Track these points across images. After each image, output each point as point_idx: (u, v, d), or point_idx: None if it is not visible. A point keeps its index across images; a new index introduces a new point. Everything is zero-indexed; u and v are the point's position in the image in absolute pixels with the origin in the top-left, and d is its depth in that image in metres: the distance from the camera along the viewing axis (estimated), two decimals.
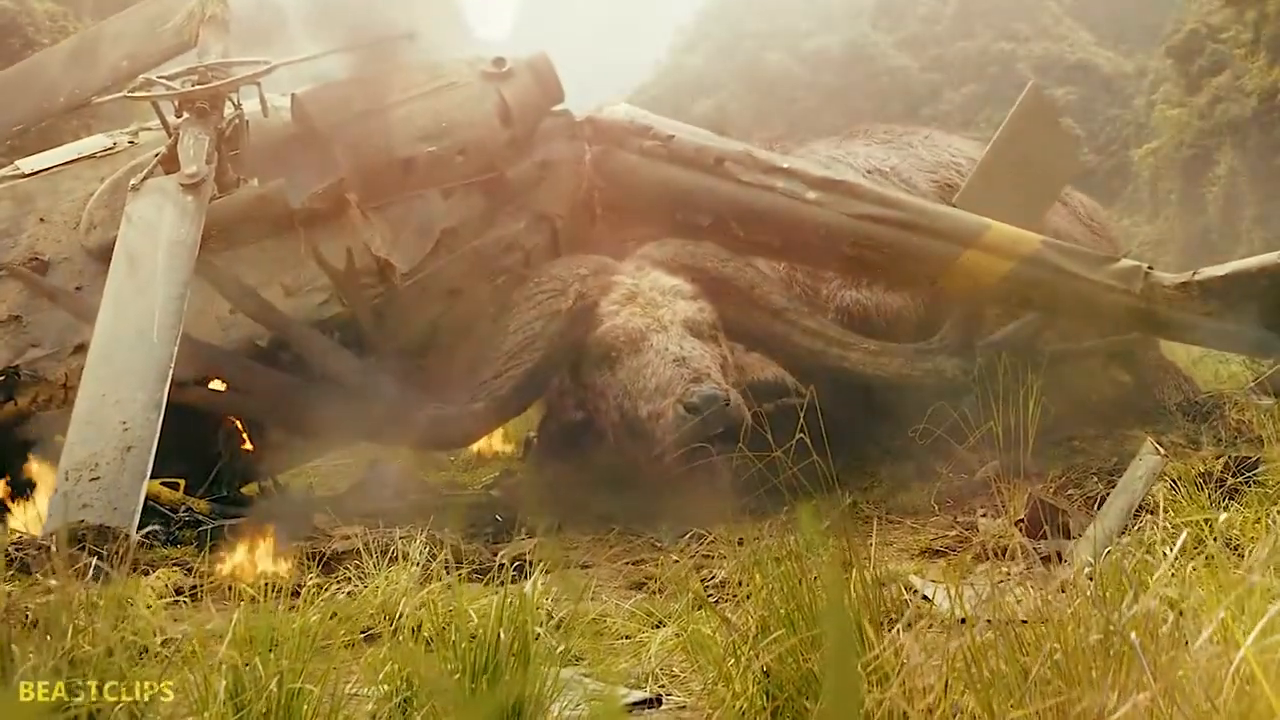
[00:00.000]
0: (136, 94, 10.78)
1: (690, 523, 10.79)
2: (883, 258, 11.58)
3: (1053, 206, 13.35)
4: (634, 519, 10.81)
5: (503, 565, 8.94)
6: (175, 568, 8.53)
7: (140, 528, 8.19)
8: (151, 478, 8.44)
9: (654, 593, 8.17)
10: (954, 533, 9.58)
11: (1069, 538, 8.17)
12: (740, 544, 7.58)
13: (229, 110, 10.71)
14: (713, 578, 8.13)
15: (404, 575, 7.15)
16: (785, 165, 11.94)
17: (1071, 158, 13.55)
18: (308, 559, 8.66)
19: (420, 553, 7.77)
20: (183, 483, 10.37)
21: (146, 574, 8.09)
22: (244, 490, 11.35)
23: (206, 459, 10.81)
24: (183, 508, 10.13)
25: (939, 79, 55.02)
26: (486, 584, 8.21)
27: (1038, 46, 57.90)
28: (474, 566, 8.76)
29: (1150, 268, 11.24)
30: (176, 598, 7.57)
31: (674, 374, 10.64)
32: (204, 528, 9.56)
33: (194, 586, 7.82)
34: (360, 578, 7.57)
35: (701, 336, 11.23)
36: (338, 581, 7.64)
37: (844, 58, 53.04)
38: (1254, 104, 24.79)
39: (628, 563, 9.38)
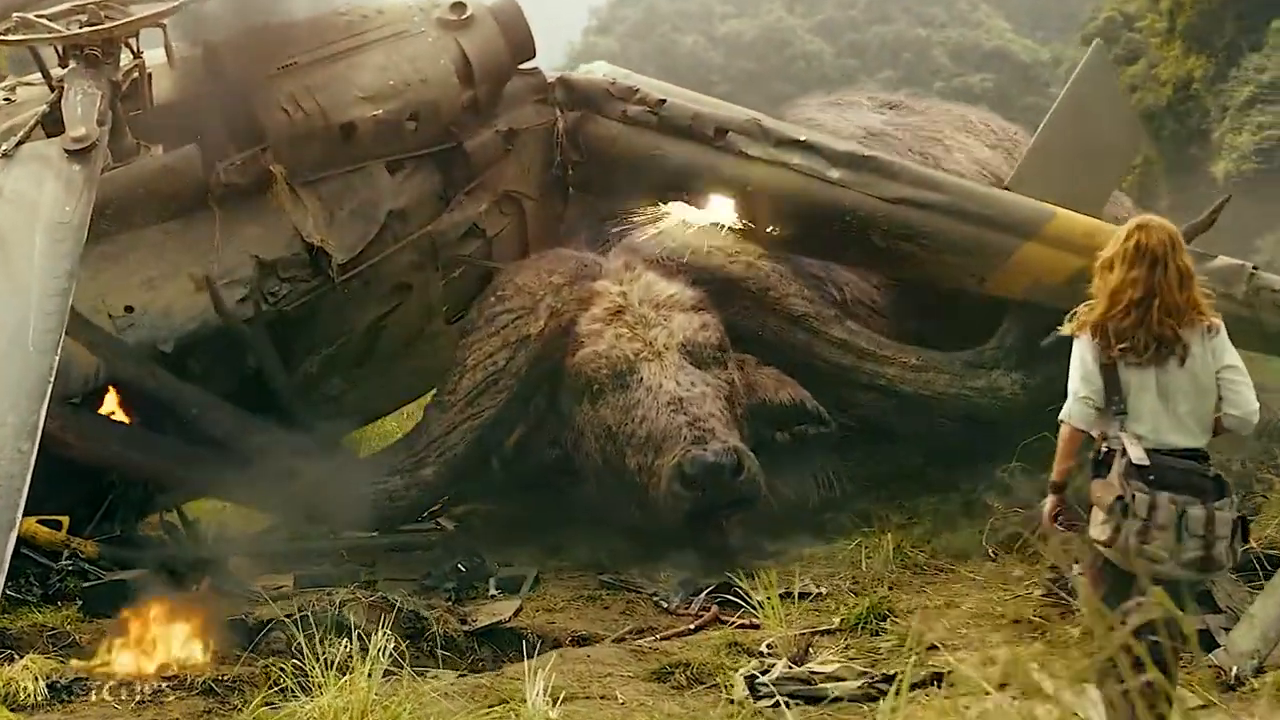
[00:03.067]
0: (10, 38, 9.53)
1: (694, 571, 9.90)
2: (922, 251, 10.30)
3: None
4: (625, 567, 9.65)
5: (476, 636, 8.03)
6: (52, 644, 7.41)
7: (9, 579, 7.06)
8: (27, 513, 7.32)
9: (684, 686, 7.00)
10: (1039, 593, 8.64)
11: None
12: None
13: (127, 59, 9.16)
14: (764, 663, 7.14)
15: (358, 685, 6.03)
16: (802, 138, 10.60)
17: (1135, 132, 12.45)
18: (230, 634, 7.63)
19: (375, 637, 6.70)
20: (65, 520, 9.05)
21: (10, 659, 7.06)
22: (142, 525, 10.09)
23: (95, 487, 9.47)
24: (65, 553, 8.98)
25: (855, 64, 55.20)
26: (461, 672, 7.26)
27: (954, 33, 58.12)
28: (441, 639, 7.76)
29: (1255, 267, 10.05)
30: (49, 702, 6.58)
31: (669, 424, 9.47)
32: (92, 584, 8.46)
33: (74, 681, 6.72)
34: (298, 681, 6.54)
35: (704, 364, 9.99)
36: (270, 685, 6.62)
37: (759, 41, 53.25)
38: (1169, 93, 24.92)
39: (633, 632, 8.11)
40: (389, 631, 7.17)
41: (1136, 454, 5.58)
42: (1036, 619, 7.75)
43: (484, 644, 7.66)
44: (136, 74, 9.26)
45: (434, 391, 10.10)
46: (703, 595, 8.65)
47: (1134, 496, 5.48)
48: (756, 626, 8.03)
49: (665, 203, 10.93)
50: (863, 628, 7.63)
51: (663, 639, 7.87)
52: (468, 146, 10.45)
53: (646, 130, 10.79)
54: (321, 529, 9.93)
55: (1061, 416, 5.82)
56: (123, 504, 9.55)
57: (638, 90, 10.92)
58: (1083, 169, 11.00)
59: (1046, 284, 10.08)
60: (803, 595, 8.79)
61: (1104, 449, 5.66)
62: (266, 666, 6.82)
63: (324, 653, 6.64)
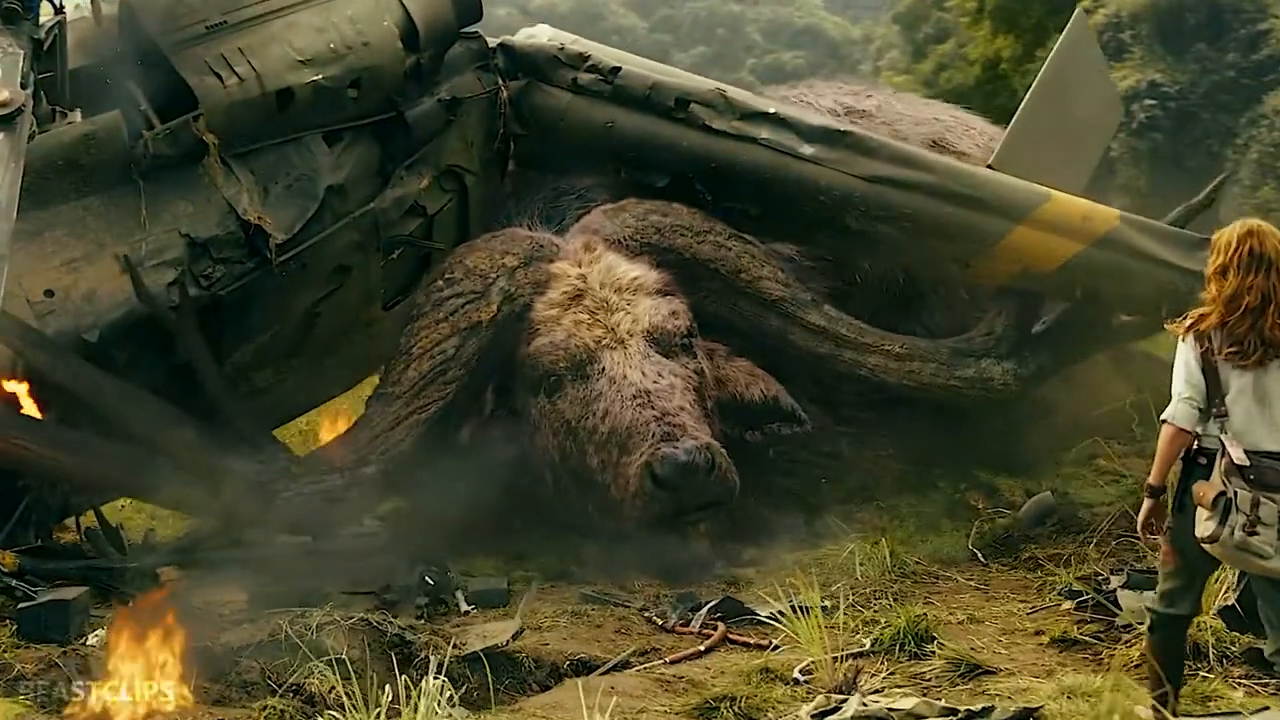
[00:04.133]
0: None
1: (677, 578, 9.37)
2: (901, 234, 9.82)
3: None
4: (595, 577, 9.02)
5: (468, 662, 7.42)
6: None
7: None
8: None
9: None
10: (1065, 606, 8.26)
11: None
12: None
13: (48, 13, 8.39)
14: (829, 699, 6.56)
15: None
16: (772, 110, 10.13)
17: (1115, 104, 12.14)
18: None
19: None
20: None
21: None
22: (59, 531, 9.32)
23: (5, 490, 8.67)
24: None
25: (668, 40, 55.82)
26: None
27: (766, 10, 59.56)
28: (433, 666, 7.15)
29: None
30: None
31: (635, 419, 8.96)
32: (28, 605, 7.70)
33: None
34: None
35: (671, 352, 9.44)
36: None
37: (572, 15, 53.51)
38: (977, 72, 25.39)
39: (638, 655, 7.42)
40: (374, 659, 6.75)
41: (1238, 454, 5.63)
42: (1084, 638, 7.40)
43: (476, 670, 7.12)
44: (58, 31, 8.56)
45: (376, 383, 9.50)
46: (704, 612, 8.17)
47: (1236, 494, 5.57)
48: (775, 647, 7.61)
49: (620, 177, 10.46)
50: (901, 648, 7.13)
51: (673, 663, 7.26)
52: (409, 117, 9.73)
53: (599, 100, 10.25)
54: (252, 534, 9.36)
55: (1165, 417, 5.79)
56: (37, 509, 8.82)
57: (589, 57, 10.37)
58: (1065, 145, 10.68)
59: (1037, 271, 9.70)
60: (805, 609, 8.37)
61: (1195, 449, 5.73)
62: (268, 710, 6.23)
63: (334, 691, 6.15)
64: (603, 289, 9.53)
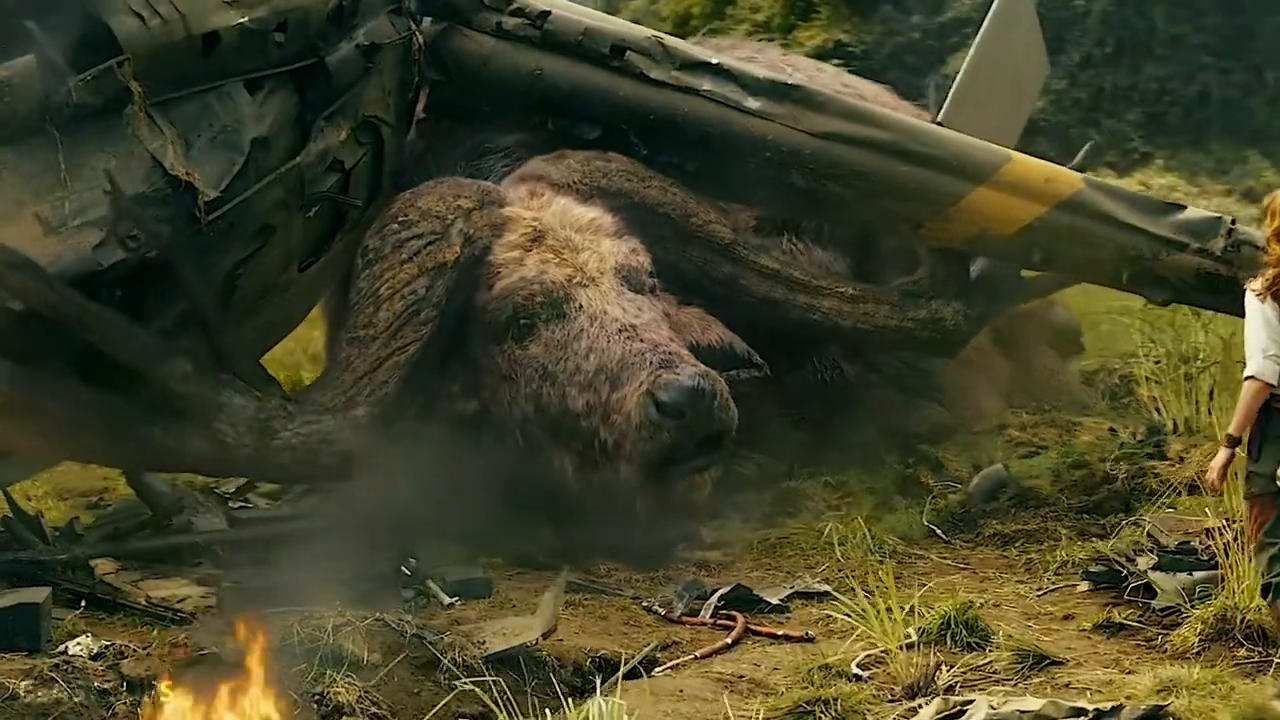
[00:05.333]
0: None
1: (636, 561, 8.99)
2: (851, 193, 9.70)
3: None
4: (584, 558, 8.79)
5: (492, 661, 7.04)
6: None
7: None
8: None
9: None
10: (1082, 587, 8.21)
11: None
12: None
13: None
14: (947, 702, 6.31)
15: None
16: (714, 61, 9.88)
17: (1042, 59, 12.20)
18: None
19: None
20: None
21: None
22: None
23: None
24: None
25: None
26: None
27: None
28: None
29: (1234, 220, 9.77)
30: None
31: (627, 351, 8.64)
32: None
33: None
34: None
35: (641, 290, 9.22)
36: None
37: None
38: (668, 29, 26.53)
39: (662, 647, 7.20)
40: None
41: None
42: (1129, 622, 7.38)
43: (502, 672, 6.78)
44: None
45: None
46: (714, 600, 7.96)
47: None
48: (811, 639, 7.37)
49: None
50: (952, 638, 6.96)
51: (702, 657, 7.06)
52: (329, 64, 9.30)
53: (526, 47, 9.91)
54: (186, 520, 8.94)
55: (1251, 373, 6.31)
56: None
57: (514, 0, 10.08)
58: (1002, 101, 10.68)
59: (994, 234, 9.63)
60: (805, 595, 8.24)
61: (1271, 395, 6.29)
62: None
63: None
64: (563, 230, 9.24)
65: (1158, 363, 12.54)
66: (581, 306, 8.92)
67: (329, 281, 10.03)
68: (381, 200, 9.75)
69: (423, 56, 9.97)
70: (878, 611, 6.99)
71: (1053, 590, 7.96)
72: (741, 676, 6.84)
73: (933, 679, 6.48)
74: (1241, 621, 6.89)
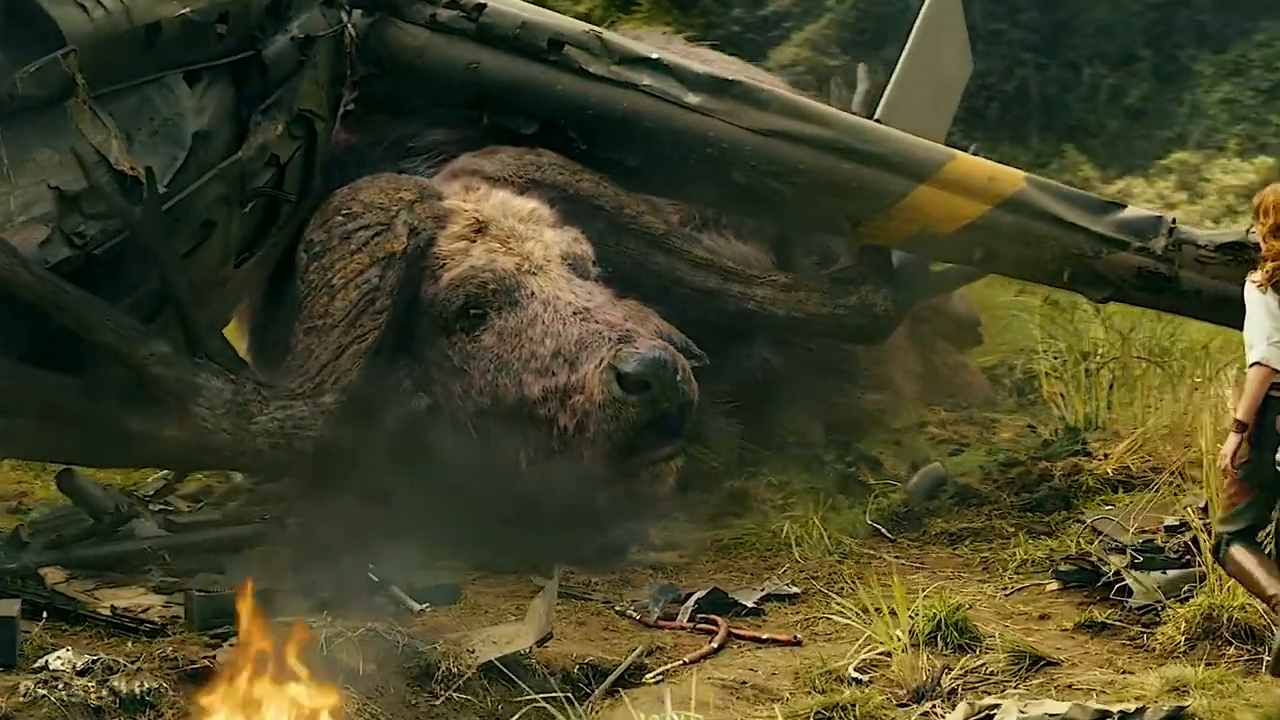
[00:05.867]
0: None
1: (589, 563, 8.82)
2: (792, 190, 9.65)
3: None
4: (548, 559, 8.51)
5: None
6: None
7: None
8: None
9: None
10: (1051, 587, 8.23)
11: None
12: None
13: None
14: (973, 707, 6.16)
15: None
16: (654, 56, 9.80)
17: (967, 57, 12.29)
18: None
19: None
20: None
21: None
22: None
23: None
24: None
25: None
26: None
27: None
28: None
29: (1175, 220, 9.85)
30: None
31: (584, 332, 8.53)
32: None
33: None
34: None
35: (587, 278, 9.14)
36: None
37: None
38: None
39: (646, 655, 7.08)
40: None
41: None
42: (1111, 621, 7.44)
43: (494, 681, 6.64)
44: None
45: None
46: (691, 604, 7.87)
47: None
48: (798, 643, 7.34)
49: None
50: (943, 641, 6.93)
51: (691, 662, 6.99)
52: (266, 56, 9.11)
53: (462, 39, 9.76)
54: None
55: (1256, 359, 6.64)
56: None
57: None
58: (933, 98, 10.74)
59: (934, 232, 9.66)
60: (777, 597, 8.21)
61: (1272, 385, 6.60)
62: None
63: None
64: (506, 220, 9.11)
65: (1057, 358, 12.70)
66: (534, 293, 8.79)
67: (258, 279, 9.82)
68: (313, 195, 9.57)
69: (355, 49, 9.77)
70: (880, 614, 6.99)
71: (1019, 590, 7.99)
72: (744, 682, 6.79)
73: (938, 682, 6.49)
74: (1229, 620, 6.99)
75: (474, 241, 9.02)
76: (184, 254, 8.68)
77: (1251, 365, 6.67)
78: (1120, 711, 5.93)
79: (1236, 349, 12.70)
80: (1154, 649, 7.06)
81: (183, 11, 8.41)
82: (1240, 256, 8.84)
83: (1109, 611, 7.56)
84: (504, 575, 8.56)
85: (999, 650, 6.91)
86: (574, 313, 8.67)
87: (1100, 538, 8.72)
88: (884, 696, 6.45)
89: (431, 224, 9.03)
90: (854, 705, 6.26)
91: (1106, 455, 10.33)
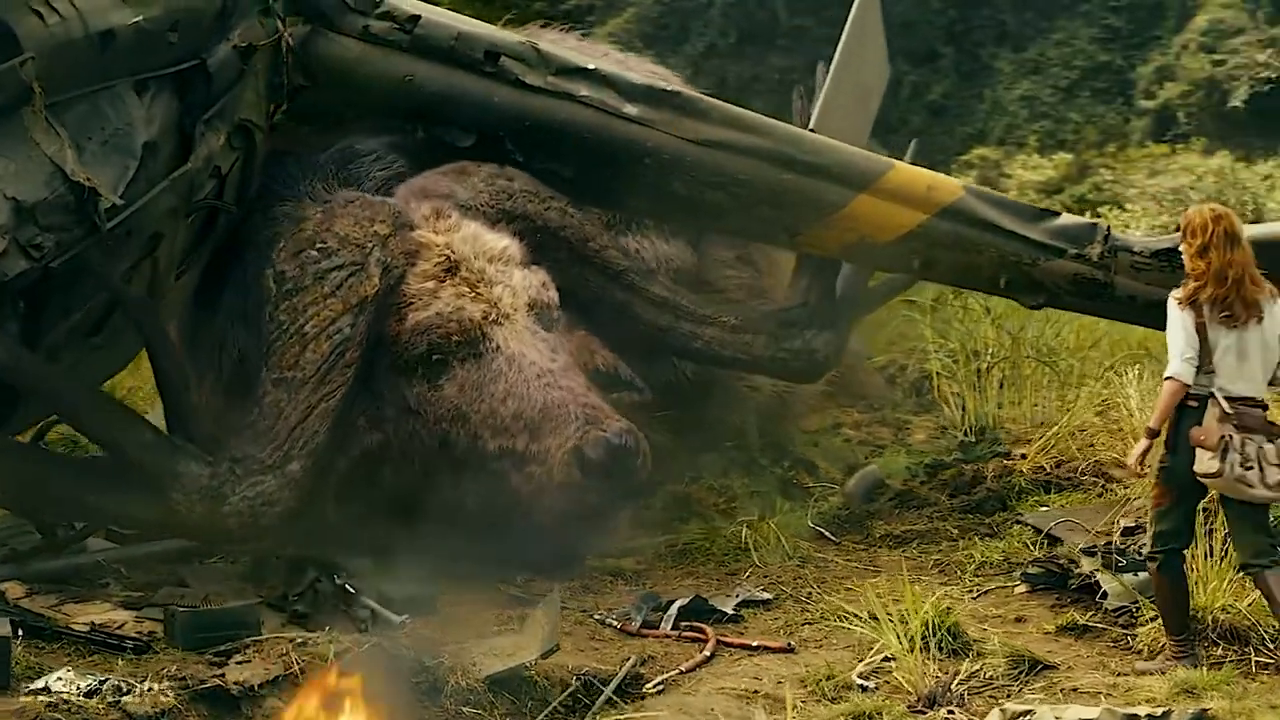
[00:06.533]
0: None
1: (547, 571, 8.70)
2: (731, 201, 9.67)
3: None
4: (503, 567, 8.67)
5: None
6: None
7: None
8: None
9: None
10: (1020, 590, 8.36)
11: None
12: None
13: None
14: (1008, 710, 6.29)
15: None
16: (591, 66, 9.73)
17: (885, 63, 12.39)
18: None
19: None
20: None
21: None
22: None
23: None
24: None
25: None
26: None
27: None
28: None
29: (1110, 227, 9.98)
30: None
31: (549, 400, 8.46)
32: None
33: None
34: None
35: (550, 327, 9.04)
36: None
37: None
38: None
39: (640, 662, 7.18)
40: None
41: (1228, 404, 7.07)
42: (1092, 624, 7.58)
43: (499, 695, 6.56)
44: None
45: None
46: (673, 612, 7.88)
47: (1232, 437, 6.99)
48: (792, 649, 7.37)
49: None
50: (940, 646, 7.01)
51: (686, 672, 7.04)
52: (210, 65, 8.94)
53: (396, 51, 9.62)
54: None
55: (1170, 374, 7.14)
56: None
57: (380, 2, 9.74)
58: (858, 107, 10.86)
59: (872, 241, 9.73)
60: (751, 603, 8.24)
61: (1185, 396, 7.12)
62: None
63: None
64: (476, 260, 8.97)
65: (949, 358, 12.92)
66: (498, 347, 8.70)
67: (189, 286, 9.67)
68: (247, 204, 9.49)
69: (291, 59, 9.64)
70: (888, 620, 7.07)
71: (985, 593, 8.10)
72: (755, 691, 6.80)
73: (949, 687, 6.57)
74: (1214, 621, 7.17)
75: (442, 283, 8.88)
76: (130, 267, 8.58)
77: (1166, 379, 7.18)
78: (1148, 715, 6.06)
79: (1120, 349, 13.16)
80: (1141, 650, 7.22)
81: (135, 19, 8.27)
82: (1175, 262, 8.95)
83: (1088, 614, 7.72)
84: (466, 583, 8.49)
85: (996, 655, 7.02)
86: (538, 374, 8.60)
87: (1043, 538, 8.94)
88: (904, 705, 6.51)
89: (403, 260, 8.89)
90: (878, 713, 6.33)
91: (1024, 456, 10.54)
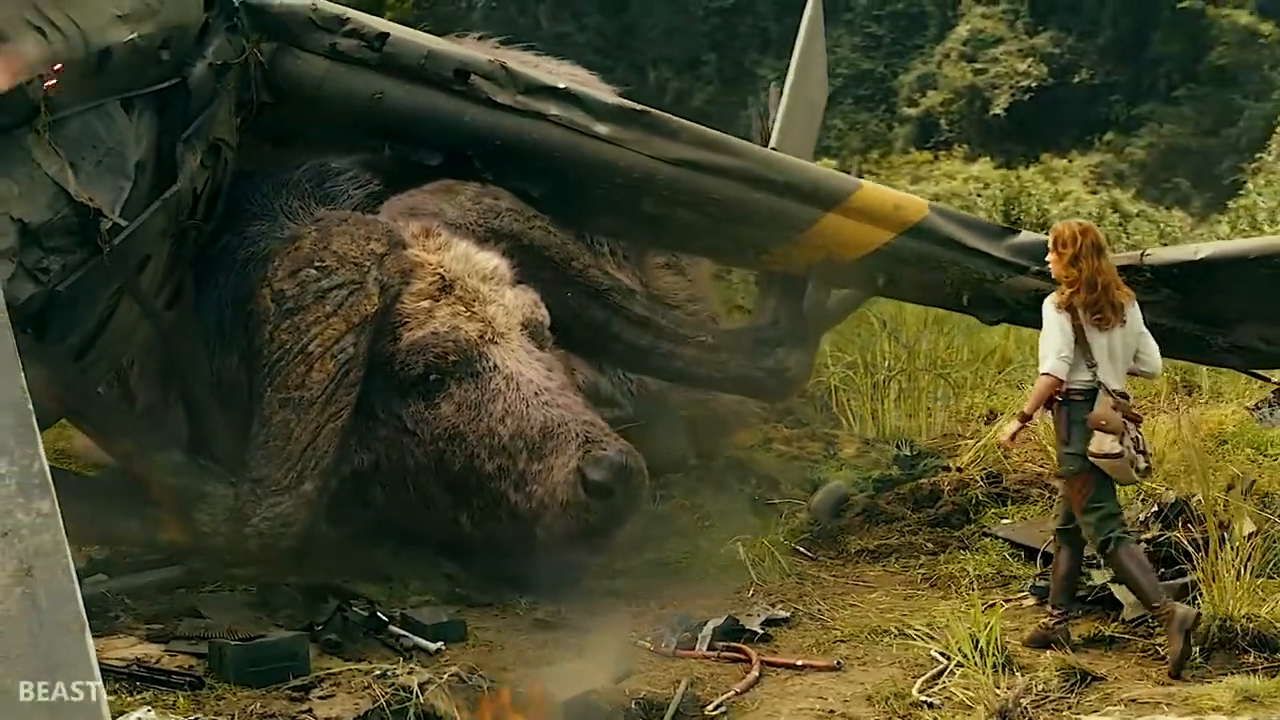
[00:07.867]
0: None
1: (551, 591, 8.70)
2: (702, 220, 9.77)
3: None
4: (484, 596, 8.64)
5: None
6: None
7: None
8: None
9: None
10: (1029, 602, 8.34)
11: None
12: None
13: None
14: None
15: None
16: (561, 86, 9.70)
17: (825, 81, 12.49)
18: None
19: None
20: None
21: None
22: None
23: None
24: None
25: None
26: None
27: None
28: None
29: None
30: None
31: (550, 420, 8.45)
32: None
33: None
34: None
35: (543, 345, 9.03)
36: None
37: None
38: None
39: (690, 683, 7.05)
40: None
41: (1114, 396, 7.83)
42: (1118, 635, 7.71)
43: None
44: None
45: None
46: (708, 631, 7.83)
47: (1126, 424, 7.76)
48: (839, 668, 7.37)
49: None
50: (992, 666, 7.02)
51: (740, 694, 6.96)
52: (190, 83, 8.75)
53: (364, 69, 9.49)
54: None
55: (1045, 370, 7.91)
56: None
57: (348, 20, 9.55)
58: (806, 124, 11.02)
59: (839, 259, 9.88)
60: (773, 622, 8.24)
61: (1068, 390, 7.89)
62: None
63: None
64: (470, 279, 8.89)
65: (850, 371, 13.13)
66: (495, 366, 8.67)
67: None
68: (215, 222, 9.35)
69: (259, 77, 9.51)
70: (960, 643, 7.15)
71: (990, 606, 8.22)
72: (833, 711, 6.78)
73: (1017, 702, 6.63)
74: (1242, 630, 7.36)
75: (438, 302, 8.82)
76: (119, 288, 8.40)
77: (1041, 374, 7.94)
78: None
79: (1001, 361, 13.50)
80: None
81: (130, 37, 8.10)
82: (1132, 278, 9.19)
83: (1111, 625, 7.89)
84: (479, 607, 8.46)
85: (1049, 668, 7.11)
86: (535, 393, 8.59)
87: (1022, 550, 9.12)
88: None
89: (399, 279, 8.79)
90: None
91: (960, 469, 10.72)
